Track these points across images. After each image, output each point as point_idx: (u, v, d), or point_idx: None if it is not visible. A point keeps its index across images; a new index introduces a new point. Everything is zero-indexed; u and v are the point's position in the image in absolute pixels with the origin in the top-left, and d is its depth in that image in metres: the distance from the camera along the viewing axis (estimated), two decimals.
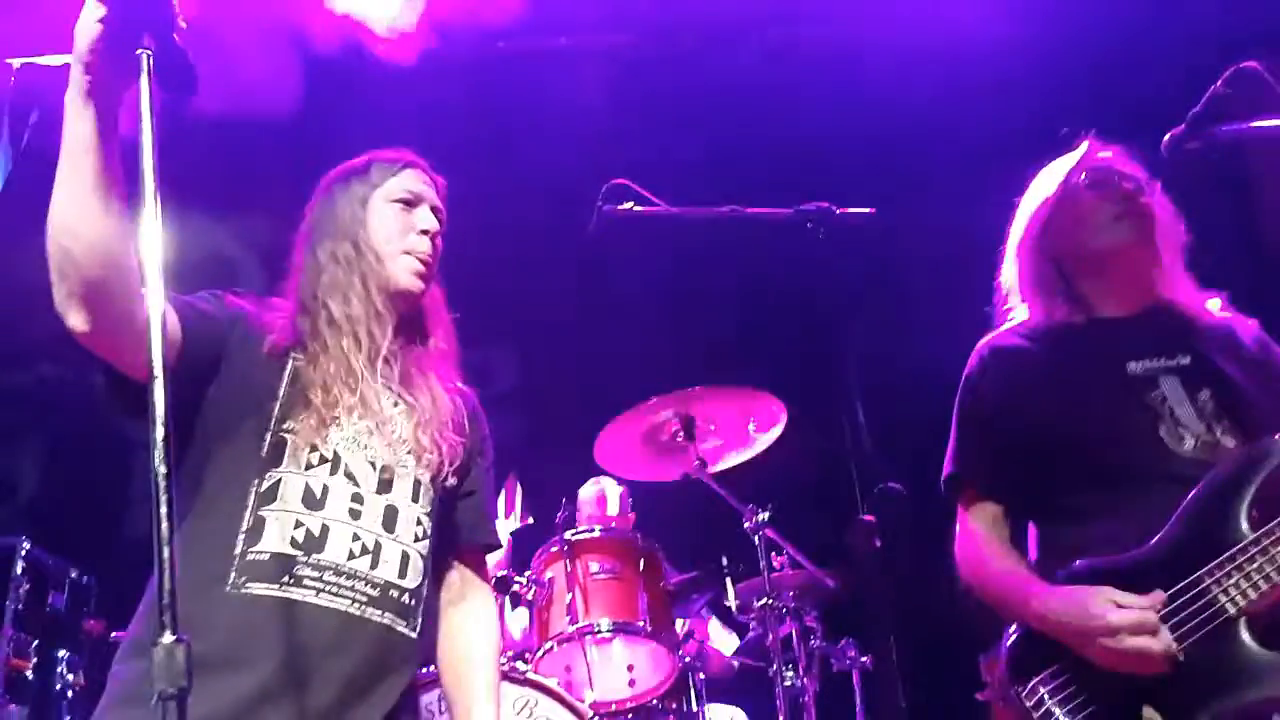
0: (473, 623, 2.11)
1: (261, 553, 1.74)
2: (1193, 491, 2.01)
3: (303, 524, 1.77)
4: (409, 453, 1.93)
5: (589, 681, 3.70)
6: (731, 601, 3.84)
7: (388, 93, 5.43)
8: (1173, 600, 1.95)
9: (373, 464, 1.87)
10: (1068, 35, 5.03)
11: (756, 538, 3.73)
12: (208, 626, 1.62)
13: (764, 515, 3.71)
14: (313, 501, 1.80)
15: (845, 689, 4.04)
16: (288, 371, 1.88)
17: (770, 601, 3.76)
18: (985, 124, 5.01)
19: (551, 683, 3.36)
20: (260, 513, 1.76)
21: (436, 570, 2.00)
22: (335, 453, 1.84)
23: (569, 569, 3.80)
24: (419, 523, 1.91)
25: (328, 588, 1.75)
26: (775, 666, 3.68)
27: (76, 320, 1.58)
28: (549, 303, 5.21)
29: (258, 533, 1.75)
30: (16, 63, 5.30)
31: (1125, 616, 1.91)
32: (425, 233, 2.03)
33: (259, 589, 1.72)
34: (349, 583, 1.78)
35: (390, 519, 1.87)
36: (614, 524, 4.35)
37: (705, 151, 5.39)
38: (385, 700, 1.79)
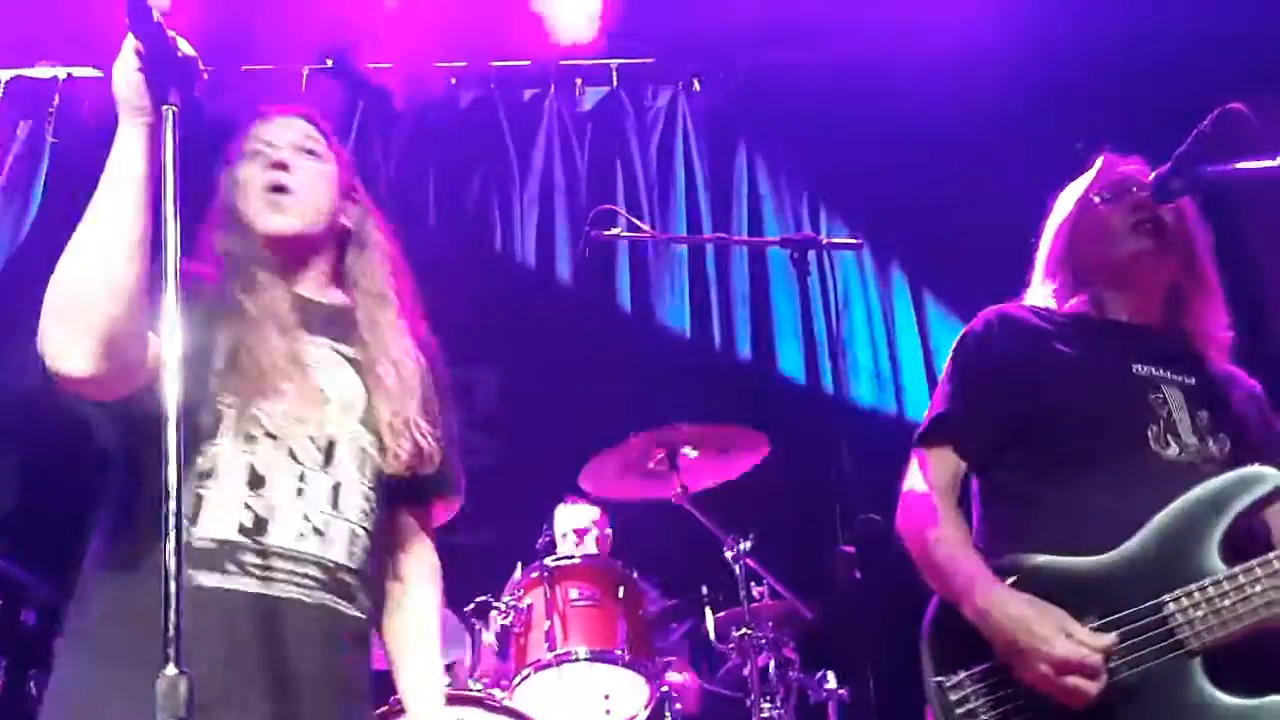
0: (416, 566, 2.03)
1: (204, 539, 1.66)
2: (1167, 508, 1.94)
3: (250, 507, 1.70)
4: (360, 421, 1.85)
5: (566, 710, 3.68)
6: (710, 631, 3.83)
7: (377, 118, 5.47)
8: (1129, 621, 1.88)
9: (312, 439, 1.79)
10: (1072, 45, 5.07)
11: (737, 567, 3.73)
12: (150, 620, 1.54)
13: (745, 544, 3.72)
14: (257, 481, 1.72)
15: None
16: (224, 342, 1.79)
17: (749, 632, 3.75)
18: (987, 144, 5.06)
19: (528, 710, 3.34)
20: (199, 490, 1.68)
21: (387, 525, 1.91)
22: (278, 426, 1.76)
23: (548, 595, 3.78)
24: (366, 499, 1.83)
25: (275, 574, 1.68)
26: (753, 697, 3.67)
27: (77, 363, 1.55)
28: (535, 329, 5.20)
29: (195, 514, 1.67)
30: (5, 75, 5.29)
31: (1073, 652, 1.84)
32: (275, 166, 1.91)
33: (202, 578, 1.64)
34: (300, 568, 1.71)
35: (335, 496, 1.79)
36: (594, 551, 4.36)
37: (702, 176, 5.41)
38: (342, 684, 1.74)
